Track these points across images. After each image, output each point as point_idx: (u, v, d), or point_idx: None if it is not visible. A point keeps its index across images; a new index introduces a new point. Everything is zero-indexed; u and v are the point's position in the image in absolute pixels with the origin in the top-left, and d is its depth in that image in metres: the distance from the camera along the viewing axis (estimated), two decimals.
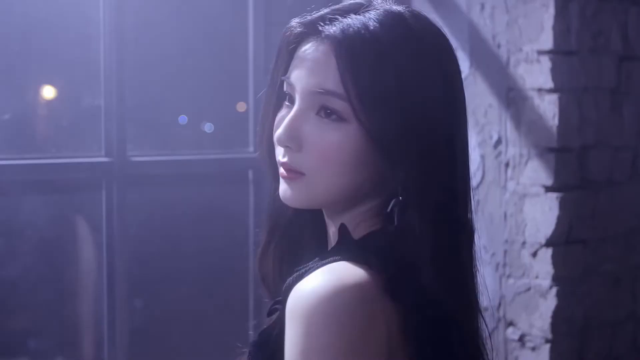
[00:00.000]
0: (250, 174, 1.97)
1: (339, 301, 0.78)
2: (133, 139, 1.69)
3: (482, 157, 1.96)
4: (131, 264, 1.71)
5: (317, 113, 0.88)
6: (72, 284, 1.75)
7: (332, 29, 0.88)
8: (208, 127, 2.01)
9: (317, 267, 0.82)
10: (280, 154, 0.89)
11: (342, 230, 0.88)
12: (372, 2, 0.90)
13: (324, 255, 0.86)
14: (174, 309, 1.83)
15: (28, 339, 1.81)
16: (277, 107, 0.92)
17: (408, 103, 0.86)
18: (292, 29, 0.91)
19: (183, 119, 1.93)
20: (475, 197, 1.98)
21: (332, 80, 0.87)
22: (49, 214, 1.61)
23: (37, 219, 1.59)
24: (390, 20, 0.89)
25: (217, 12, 1.90)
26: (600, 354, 2.00)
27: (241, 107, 2.08)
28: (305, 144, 0.88)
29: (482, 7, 1.93)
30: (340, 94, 0.86)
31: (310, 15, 0.90)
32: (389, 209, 0.85)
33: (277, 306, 0.85)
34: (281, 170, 0.89)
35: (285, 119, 0.89)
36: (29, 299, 1.73)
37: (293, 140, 0.88)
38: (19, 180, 1.55)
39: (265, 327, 0.88)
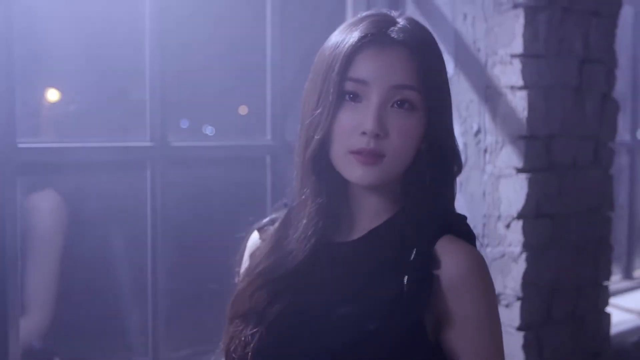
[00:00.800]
0: (268, 158, 2.30)
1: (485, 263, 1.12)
2: (173, 128, 2.03)
3: (465, 144, 2.29)
4: (169, 231, 2.05)
5: (392, 105, 1.08)
6: (122, 250, 2.09)
7: (402, 36, 1.09)
8: (210, 131, 2.34)
9: (443, 231, 1.09)
10: (362, 143, 1.07)
11: (423, 207, 1.11)
12: (393, 12, 1.15)
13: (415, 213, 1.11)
14: (206, 271, 2.18)
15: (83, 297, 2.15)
16: (337, 105, 1.09)
17: (447, 90, 1.15)
18: (354, 39, 1.08)
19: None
20: (459, 178, 2.32)
21: (409, 77, 1.08)
22: (105, 189, 1.96)
23: (95, 194, 1.94)
24: (425, 29, 1.15)
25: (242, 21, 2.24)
26: (566, 313, 2.34)
27: (243, 110, 2.40)
28: (389, 131, 1.08)
29: (465, 17, 2.27)
30: (417, 87, 1.08)
31: (361, 27, 1.09)
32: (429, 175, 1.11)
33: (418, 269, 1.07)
34: (358, 156, 1.07)
35: (368, 113, 1.07)
36: (83, 264, 2.07)
37: (382, 129, 1.07)
38: (82, 161, 1.89)
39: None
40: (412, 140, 1.10)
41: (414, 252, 1.08)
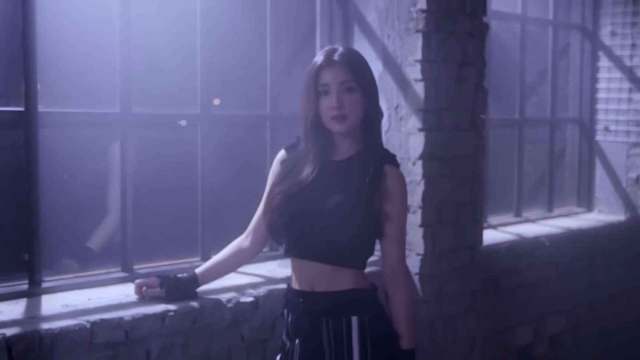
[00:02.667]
0: (268, 123, 3.68)
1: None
2: (213, 99, 3.41)
3: (389, 115, 3.70)
4: (211, 165, 3.42)
5: (343, 91, 2.46)
6: (183, 178, 3.46)
7: (339, 57, 2.48)
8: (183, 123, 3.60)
9: (386, 162, 2.52)
10: (333, 112, 2.41)
11: (373, 145, 2.56)
12: (337, 46, 2.56)
13: (371, 151, 2.53)
14: (234, 191, 3.56)
15: (150, 209, 3.47)
16: (317, 99, 2.43)
17: (372, 80, 2.55)
18: (317, 64, 2.46)
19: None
20: (386, 137, 3.73)
21: (347, 75, 2.45)
22: (175, 139, 3.34)
23: (171, 141, 3.32)
24: (354, 51, 2.60)
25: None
26: (452, 220, 3.75)
27: (216, 101, 3.73)
28: (345, 103, 2.45)
29: (389, 37, 3.67)
30: (352, 79, 2.46)
31: (319, 58, 2.47)
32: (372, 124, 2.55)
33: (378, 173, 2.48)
34: (335, 119, 2.42)
35: (332, 98, 2.42)
36: (155, 187, 3.42)
37: (341, 104, 2.44)
38: (166, 122, 3.28)
39: (358, 193, 2.45)
40: (358, 106, 2.50)
41: (372, 168, 2.50)
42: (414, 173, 3.62)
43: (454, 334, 3.80)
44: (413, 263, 3.61)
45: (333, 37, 3.77)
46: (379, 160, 2.53)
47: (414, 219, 3.61)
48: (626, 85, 5.32)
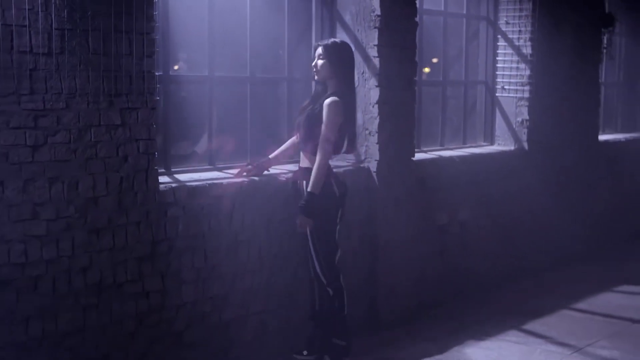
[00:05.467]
0: (285, 84, 6.08)
1: (337, 104, 5.11)
2: (258, 64, 5.80)
3: (359, 77, 6.11)
4: (258, 102, 5.82)
5: (318, 59, 5.11)
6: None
7: (324, 44, 5.14)
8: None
9: (330, 97, 5.10)
10: (313, 70, 5.13)
11: (330, 91, 5.15)
12: (329, 39, 5.25)
13: (328, 95, 5.12)
14: (264, 123, 5.98)
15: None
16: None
17: (339, 55, 5.17)
18: (317, 46, 5.14)
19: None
20: (357, 90, 6.16)
21: (321, 51, 5.10)
22: (237, 93, 5.74)
23: (230, 92, 5.72)
24: (335, 41, 5.28)
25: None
26: (395, 141, 6.19)
27: (176, 67, 6.11)
28: (318, 65, 5.11)
29: (358, 30, 6.08)
30: (323, 53, 5.11)
31: (317, 44, 5.15)
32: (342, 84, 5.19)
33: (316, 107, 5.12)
34: (314, 73, 5.14)
35: (313, 62, 5.09)
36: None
37: (317, 65, 5.11)
38: (221, 78, 5.69)
39: (313, 112, 5.09)
40: (324, 68, 5.16)
41: (322, 99, 5.12)
42: (373, 112, 6.08)
43: (399, 209, 6.30)
44: (373, 166, 6.08)
45: (324, 29, 6.18)
46: (325, 97, 5.10)
47: (373, 139, 6.07)
48: (515, 58, 7.84)
